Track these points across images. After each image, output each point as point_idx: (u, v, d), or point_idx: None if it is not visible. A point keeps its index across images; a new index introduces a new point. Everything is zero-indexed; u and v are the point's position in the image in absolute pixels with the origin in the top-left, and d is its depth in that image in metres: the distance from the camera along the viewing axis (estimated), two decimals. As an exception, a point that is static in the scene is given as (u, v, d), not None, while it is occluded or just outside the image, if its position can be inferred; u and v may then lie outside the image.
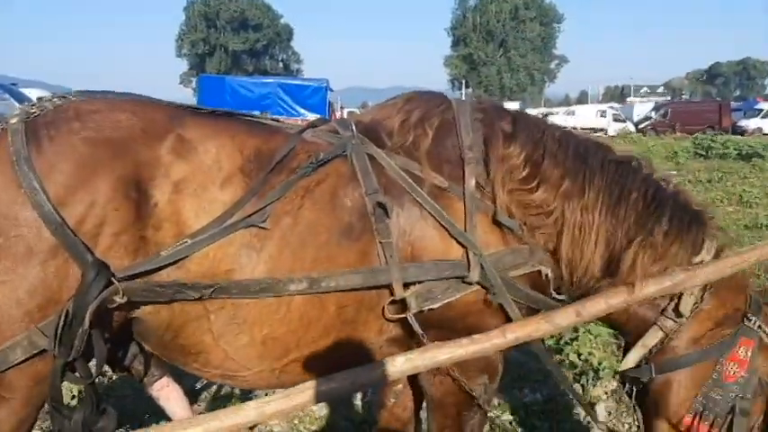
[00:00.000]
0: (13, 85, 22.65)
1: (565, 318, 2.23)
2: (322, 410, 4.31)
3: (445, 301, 2.25)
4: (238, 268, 2.15)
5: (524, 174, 2.33)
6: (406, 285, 2.22)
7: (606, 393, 4.47)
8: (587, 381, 4.54)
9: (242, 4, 72.08)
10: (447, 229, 2.24)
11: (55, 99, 2.21)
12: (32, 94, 23.30)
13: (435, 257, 2.26)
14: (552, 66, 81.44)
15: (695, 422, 2.33)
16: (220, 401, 4.40)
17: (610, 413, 4.20)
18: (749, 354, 2.28)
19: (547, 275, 2.35)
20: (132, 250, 2.08)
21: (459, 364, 2.34)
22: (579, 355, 4.93)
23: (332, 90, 28.42)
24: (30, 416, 2.14)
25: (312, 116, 24.40)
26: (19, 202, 1.96)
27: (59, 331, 1.96)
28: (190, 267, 2.11)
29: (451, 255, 2.26)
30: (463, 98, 2.73)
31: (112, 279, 1.99)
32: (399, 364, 2.09)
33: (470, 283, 2.24)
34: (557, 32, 79.12)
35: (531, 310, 2.38)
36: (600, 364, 4.66)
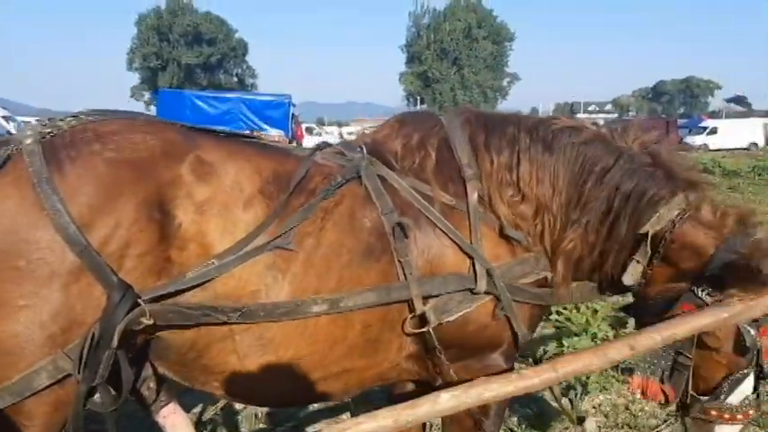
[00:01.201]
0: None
1: (618, 352, 2.15)
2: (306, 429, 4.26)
3: (461, 313, 2.32)
4: (264, 289, 2.16)
5: (511, 186, 2.45)
6: (425, 301, 2.28)
7: (595, 408, 4.54)
8: (576, 395, 4.61)
9: (196, 18, 71.28)
10: (459, 245, 2.32)
11: (69, 119, 2.18)
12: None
13: (453, 272, 2.33)
14: (504, 83, 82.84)
15: (644, 379, 2.42)
16: (221, 425, 4.35)
17: (600, 427, 4.26)
18: None
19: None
20: (157, 271, 2.06)
21: (476, 374, 2.40)
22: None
23: (294, 105, 28.38)
24: None
25: (274, 131, 24.56)
26: (41, 225, 1.92)
27: (85, 355, 1.94)
28: (216, 288, 2.11)
29: (465, 269, 2.34)
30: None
31: (139, 301, 1.98)
32: (444, 402, 1.98)
33: (479, 294, 2.32)
34: (508, 51, 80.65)
35: (543, 308, 2.61)
36: (587, 378, 4.73)
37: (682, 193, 2.36)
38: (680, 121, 56.75)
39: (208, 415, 4.40)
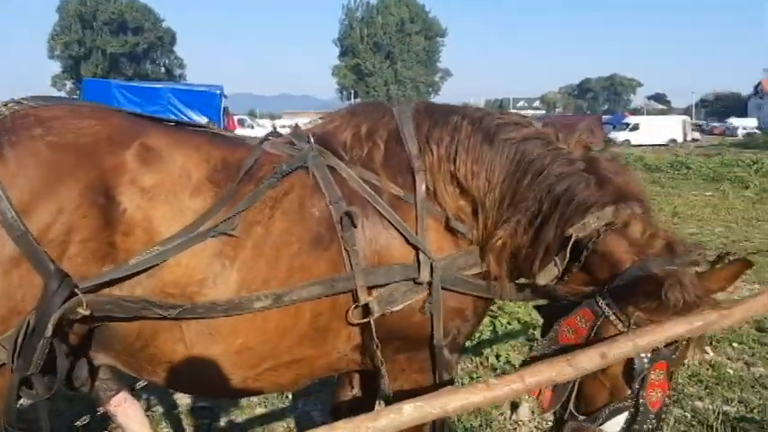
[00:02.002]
0: None
1: (589, 361, 2.03)
2: (254, 423, 4.25)
3: (405, 303, 2.33)
4: (212, 277, 2.13)
5: (453, 178, 2.44)
6: (370, 291, 2.29)
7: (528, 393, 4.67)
8: (509, 381, 4.73)
9: (120, 6, 68.99)
10: (404, 236, 2.32)
11: (11, 105, 2.11)
12: None
13: (399, 263, 2.33)
14: (437, 78, 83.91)
15: None
16: (175, 414, 4.30)
17: (533, 412, 4.39)
18: (587, 324, 2.25)
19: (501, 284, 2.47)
20: (101, 257, 2.02)
21: (421, 365, 2.47)
22: (498, 356, 5.15)
23: (226, 97, 27.85)
24: None
25: (204, 123, 23.88)
26: None
27: (19, 344, 1.90)
28: (162, 276, 2.08)
29: (411, 260, 2.34)
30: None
31: (76, 290, 1.94)
32: (407, 413, 1.87)
33: (422, 284, 2.32)
34: (440, 46, 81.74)
35: (488, 301, 2.57)
36: (520, 364, 4.88)
37: (613, 205, 2.31)
38: (604, 118, 58.93)
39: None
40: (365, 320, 2.30)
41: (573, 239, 2.29)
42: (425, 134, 2.49)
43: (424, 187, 2.39)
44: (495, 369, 5.01)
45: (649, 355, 2.12)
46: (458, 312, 2.45)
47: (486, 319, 5.38)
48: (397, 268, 2.32)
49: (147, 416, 3.91)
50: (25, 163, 1.95)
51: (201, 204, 2.15)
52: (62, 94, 66.91)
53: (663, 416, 2.23)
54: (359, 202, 2.32)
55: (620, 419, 2.21)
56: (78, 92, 47.36)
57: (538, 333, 5.38)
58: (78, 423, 3.27)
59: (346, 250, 2.26)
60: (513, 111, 2.73)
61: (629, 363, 2.12)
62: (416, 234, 2.34)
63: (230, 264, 2.16)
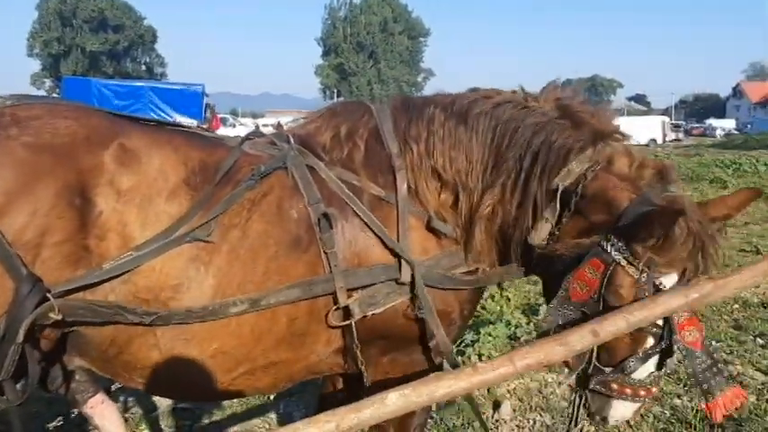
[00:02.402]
0: None
1: (580, 339, 1.95)
2: (234, 424, 4.23)
3: (388, 305, 2.30)
4: (186, 282, 2.10)
5: (433, 174, 2.41)
6: (350, 294, 2.25)
7: (510, 392, 4.69)
8: (491, 382, 4.75)
9: (101, 4, 68.23)
10: (381, 238, 2.28)
11: None
12: None
13: (379, 264, 2.30)
14: (420, 78, 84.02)
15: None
16: (154, 416, 4.26)
17: (515, 410, 4.41)
18: (598, 275, 2.15)
19: (484, 270, 2.45)
20: (75, 261, 1.98)
21: (406, 368, 2.43)
22: (480, 356, 5.15)
23: (207, 95, 27.71)
24: None
25: (187, 122, 23.92)
26: None
27: None
28: (136, 281, 2.05)
29: (392, 261, 2.31)
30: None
31: (48, 295, 1.90)
32: (392, 402, 1.81)
33: (404, 284, 2.28)
34: (423, 46, 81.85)
35: (476, 298, 2.57)
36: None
37: (592, 145, 2.28)
38: (586, 118, 59.08)
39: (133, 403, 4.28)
40: (346, 323, 2.27)
41: (560, 189, 2.25)
42: (403, 131, 2.46)
43: (405, 186, 2.36)
44: (477, 368, 5.02)
45: None
46: (443, 315, 2.40)
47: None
48: (379, 269, 2.29)
49: (126, 418, 3.88)
50: (0, 163, 1.92)
51: (177, 209, 2.12)
52: (41, 92, 66.17)
53: (713, 353, 2.12)
54: (338, 204, 2.29)
55: (650, 365, 2.17)
56: (58, 90, 46.80)
57: (521, 332, 5.45)
58: (53, 425, 3.23)
59: (325, 252, 2.23)
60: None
61: None
62: (398, 234, 2.31)
63: (205, 268, 2.12)
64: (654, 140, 48.37)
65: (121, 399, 4.33)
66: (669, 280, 2.12)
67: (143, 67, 76.19)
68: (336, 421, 1.75)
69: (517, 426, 4.24)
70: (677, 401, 4.43)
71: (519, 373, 1.98)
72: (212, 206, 2.14)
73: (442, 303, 2.39)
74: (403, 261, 2.28)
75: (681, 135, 56.40)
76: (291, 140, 2.40)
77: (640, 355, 2.16)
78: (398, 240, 2.30)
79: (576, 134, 2.31)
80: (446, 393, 1.86)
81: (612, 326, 1.96)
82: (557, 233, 2.29)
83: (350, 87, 76.81)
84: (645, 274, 2.08)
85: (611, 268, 2.12)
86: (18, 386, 1.98)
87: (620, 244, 2.10)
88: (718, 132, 61.94)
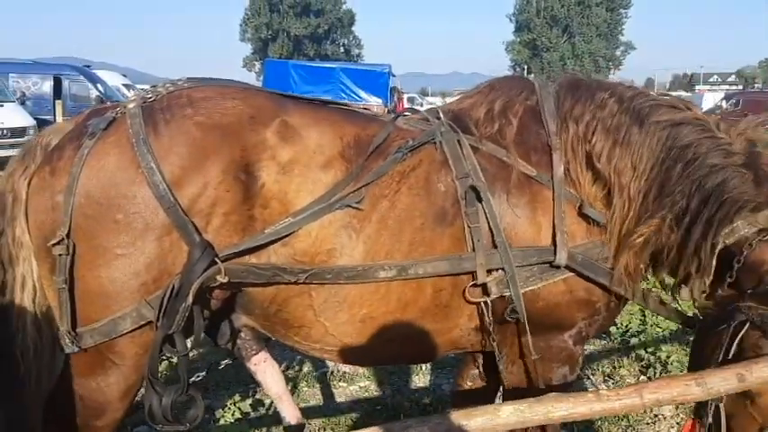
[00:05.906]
0: (87, 66, 23.59)
1: (722, 382, 1.81)
2: (384, 390, 4.42)
3: (528, 289, 2.29)
4: (339, 248, 2.25)
5: (588, 160, 2.34)
6: (490, 272, 2.28)
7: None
8: (654, 374, 4.50)
9: (305, -11, 72.43)
10: (536, 219, 2.30)
11: (168, 85, 2.36)
12: (104, 75, 24.30)
13: (524, 244, 2.30)
14: (618, 53, 78.99)
15: (695, 422, 2.23)
16: (307, 379, 4.58)
17: (677, 407, 4.14)
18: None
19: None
20: (242, 229, 2.20)
21: (541, 354, 2.40)
22: (646, 347, 4.89)
23: (394, 75, 28.44)
24: (137, 383, 2.30)
25: (374, 101, 24.87)
26: (137, 182, 2.10)
27: (165, 305, 2.09)
28: (294, 244, 2.23)
29: (540, 242, 2.30)
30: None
31: (216, 259, 2.11)
32: (505, 415, 1.78)
33: (558, 268, 2.26)
34: (624, 18, 76.67)
35: (624, 299, 2.45)
36: (668, 357, 4.61)
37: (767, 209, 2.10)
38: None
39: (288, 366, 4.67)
40: (482, 299, 2.30)
41: (720, 247, 2.10)
42: (565, 111, 2.41)
43: (561, 167, 2.32)
44: (642, 359, 4.78)
45: None
46: (588, 304, 2.38)
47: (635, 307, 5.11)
48: (532, 251, 2.28)
49: (287, 376, 4.22)
50: (177, 140, 2.16)
51: (332, 178, 2.26)
52: (252, 74, 72.12)
53: None
54: (485, 179, 2.31)
55: None
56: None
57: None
58: (193, 378, 3.66)
59: (469, 227, 2.27)
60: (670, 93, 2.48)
61: None
62: (554, 216, 2.28)
63: (356, 235, 2.25)
64: None
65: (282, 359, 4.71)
66: None
67: (341, 49, 79.70)
68: (446, 426, 1.75)
69: (677, 423, 4.00)
70: None
71: (646, 407, 1.88)
72: (364, 176, 2.26)
73: (587, 292, 2.36)
74: (559, 242, 2.24)
75: None
76: (442, 116, 2.46)
77: None
78: (554, 223, 2.28)
79: (754, 190, 2.14)
80: (563, 416, 1.80)
81: (762, 372, 1.78)
82: (707, 290, 2.19)
83: (541, 63, 74.41)
84: None
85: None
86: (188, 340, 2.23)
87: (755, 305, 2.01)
88: None
